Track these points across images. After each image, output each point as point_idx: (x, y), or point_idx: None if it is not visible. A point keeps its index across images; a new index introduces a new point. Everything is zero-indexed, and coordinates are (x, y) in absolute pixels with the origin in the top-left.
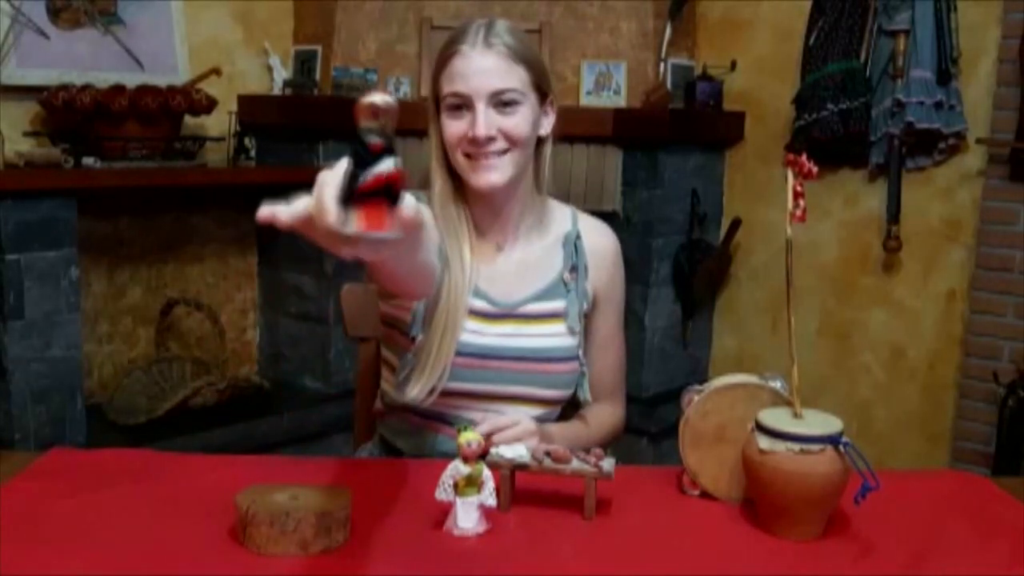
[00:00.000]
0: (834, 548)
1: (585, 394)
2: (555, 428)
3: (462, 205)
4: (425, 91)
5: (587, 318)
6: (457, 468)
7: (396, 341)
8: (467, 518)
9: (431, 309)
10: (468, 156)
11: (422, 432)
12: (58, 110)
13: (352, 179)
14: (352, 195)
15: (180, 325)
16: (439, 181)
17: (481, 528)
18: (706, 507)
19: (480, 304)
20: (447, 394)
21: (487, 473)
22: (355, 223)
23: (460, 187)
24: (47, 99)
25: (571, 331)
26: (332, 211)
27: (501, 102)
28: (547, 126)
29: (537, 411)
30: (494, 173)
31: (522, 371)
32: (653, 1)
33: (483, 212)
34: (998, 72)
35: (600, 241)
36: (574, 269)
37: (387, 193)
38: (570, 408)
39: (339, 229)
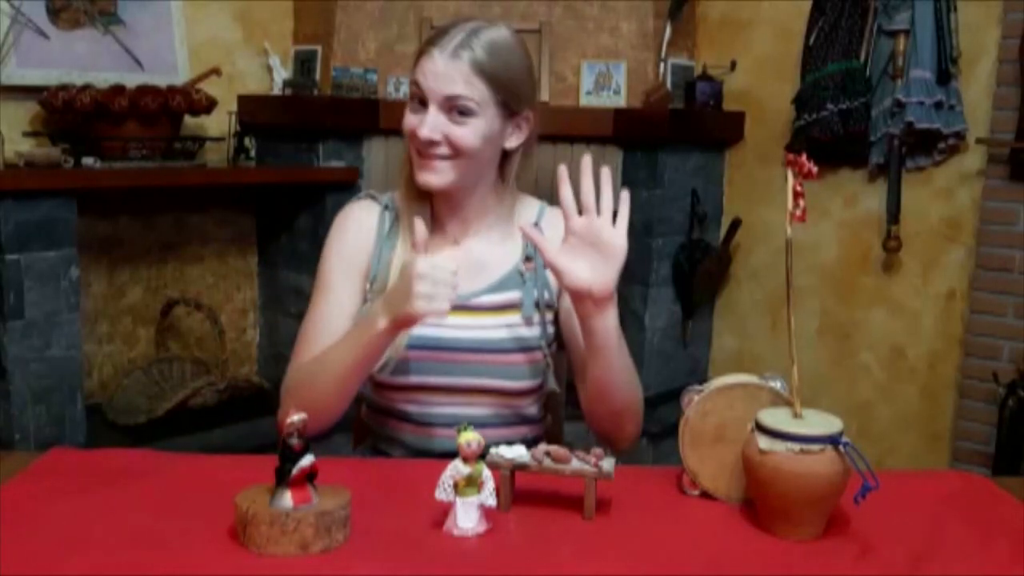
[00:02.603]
0: (834, 548)
1: (550, 384)
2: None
3: (427, 197)
4: None
5: (567, 310)
6: (457, 468)
7: None
8: (467, 518)
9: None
10: (416, 151)
11: (397, 432)
12: (58, 110)
13: (284, 471)
14: (286, 481)
15: (180, 325)
16: (408, 170)
17: (481, 528)
18: (706, 507)
19: None
20: (407, 389)
21: (487, 473)
22: (289, 500)
23: None
24: (47, 99)
25: (527, 321)
26: None
27: (455, 108)
28: (515, 140)
29: (501, 402)
30: (433, 175)
31: (479, 363)
32: (653, 1)
33: (440, 206)
34: (998, 72)
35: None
36: (530, 259)
37: (308, 478)
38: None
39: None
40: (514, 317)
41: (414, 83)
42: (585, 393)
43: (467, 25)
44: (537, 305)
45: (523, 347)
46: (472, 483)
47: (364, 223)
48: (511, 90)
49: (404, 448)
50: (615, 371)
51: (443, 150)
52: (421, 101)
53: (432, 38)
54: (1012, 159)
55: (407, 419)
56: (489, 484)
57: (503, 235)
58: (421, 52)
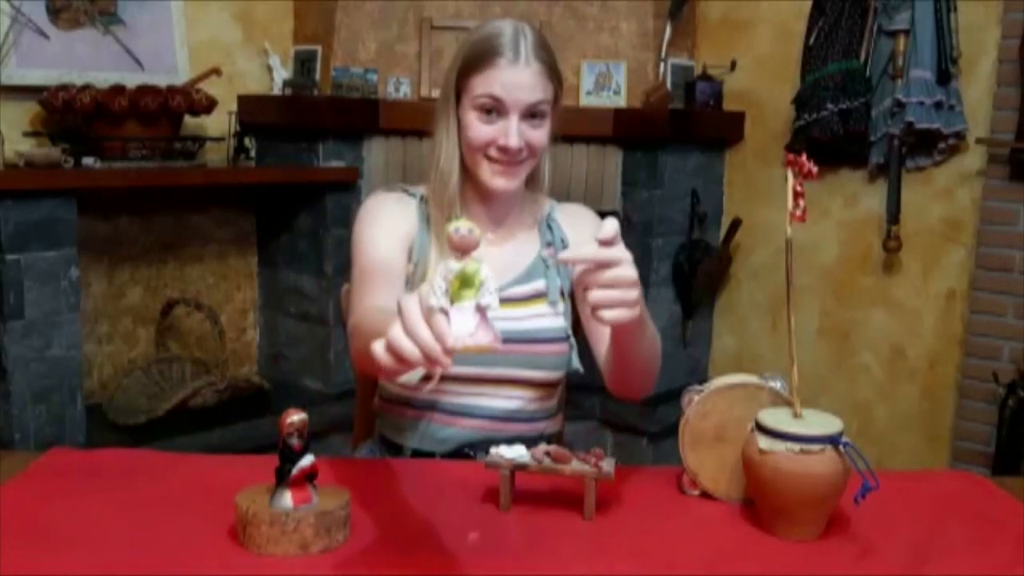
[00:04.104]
0: (834, 548)
1: (574, 366)
2: None
3: (460, 196)
4: (425, 91)
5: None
6: (449, 267)
7: None
8: (462, 324)
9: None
10: (489, 159)
11: (417, 423)
12: (58, 110)
13: (284, 471)
14: (286, 481)
15: (180, 325)
16: (456, 171)
17: (481, 336)
18: (706, 507)
19: None
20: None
21: (485, 271)
22: (289, 500)
23: (464, 179)
24: (47, 99)
25: (553, 306)
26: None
27: (533, 114)
28: (551, 128)
29: (528, 394)
30: (512, 179)
31: (510, 353)
32: (653, 1)
33: (480, 207)
34: (998, 72)
35: (575, 213)
36: (550, 244)
37: (308, 478)
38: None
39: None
40: (542, 307)
41: (488, 96)
42: (609, 366)
43: (513, 28)
44: (561, 293)
45: (552, 337)
46: (468, 283)
47: (404, 208)
48: (562, 82)
49: (424, 438)
50: (641, 349)
51: (522, 155)
52: (490, 111)
53: (488, 50)
54: (1012, 159)
55: (433, 408)
56: (489, 283)
57: (525, 229)
58: (484, 63)
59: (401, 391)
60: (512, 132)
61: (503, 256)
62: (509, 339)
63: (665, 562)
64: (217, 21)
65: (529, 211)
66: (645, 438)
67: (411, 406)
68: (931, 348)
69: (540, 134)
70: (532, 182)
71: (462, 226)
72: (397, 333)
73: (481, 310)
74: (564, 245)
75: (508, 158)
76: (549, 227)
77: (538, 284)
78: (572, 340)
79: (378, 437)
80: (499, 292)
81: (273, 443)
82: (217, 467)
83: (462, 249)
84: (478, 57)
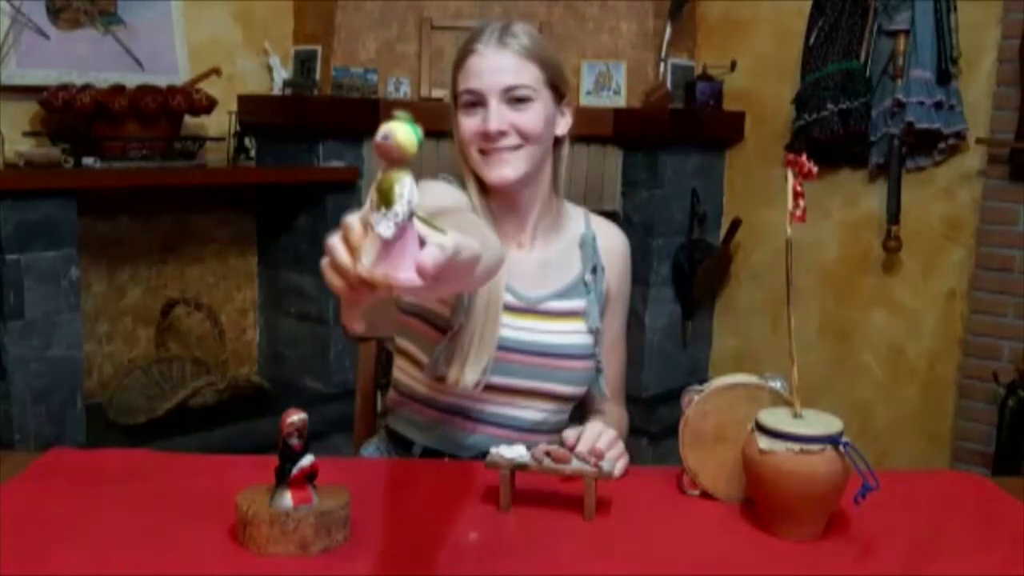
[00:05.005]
0: (834, 548)
1: (601, 389)
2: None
3: (484, 207)
4: (425, 91)
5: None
6: (377, 176)
7: (419, 331)
8: (368, 252)
9: (472, 297)
10: (482, 152)
11: (437, 426)
12: (58, 110)
13: (284, 471)
14: (286, 481)
15: (180, 325)
16: (466, 177)
17: (378, 269)
18: (706, 507)
19: (506, 297)
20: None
21: (403, 188)
22: (289, 500)
23: (485, 188)
24: (47, 99)
25: (590, 330)
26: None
27: (514, 98)
28: (563, 127)
29: (553, 407)
30: (507, 168)
31: (541, 366)
32: (653, 1)
33: (503, 210)
34: (998, 72)
35: (613, 243)
36: (594, 270)
37: (308, 478)
38: (575, 410)
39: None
40: (578, 324)
41: (466, 91)
42: None
43: (495, 23)
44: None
45: (583, 354)
46: (384, 201)
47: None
48: (557, 70)
49: (443, 440)
50: None
51: (512, 140)
52: (474, 104)
53: (467, 42)
54: (1012, 159)
55: (459, 414)
56: (402, 203)
57: (558, 239)
58: (462, 57)
59: (428, 391)
60: (491, 116)
61: (538, 264)
62: (543, 352)
63: (665, 562)
64: (217, 21)
65: (561, 220)
66: (645, 438)
67: (433, 407)
68: (931, 348)
69: (526, 117)
70: (554, 187)
71: (389, 132)
72: (336, 237)
73: (383, 241)
74: (603, 273)
75: (491, 144)
76: (592, 249)
77: (577, 304)
78: (599, 360)
79: (385, 432)
80: (534, 304)
81: (273, 443)
82: (217, 467)
83: (382, 158)
84: (460, 54)
